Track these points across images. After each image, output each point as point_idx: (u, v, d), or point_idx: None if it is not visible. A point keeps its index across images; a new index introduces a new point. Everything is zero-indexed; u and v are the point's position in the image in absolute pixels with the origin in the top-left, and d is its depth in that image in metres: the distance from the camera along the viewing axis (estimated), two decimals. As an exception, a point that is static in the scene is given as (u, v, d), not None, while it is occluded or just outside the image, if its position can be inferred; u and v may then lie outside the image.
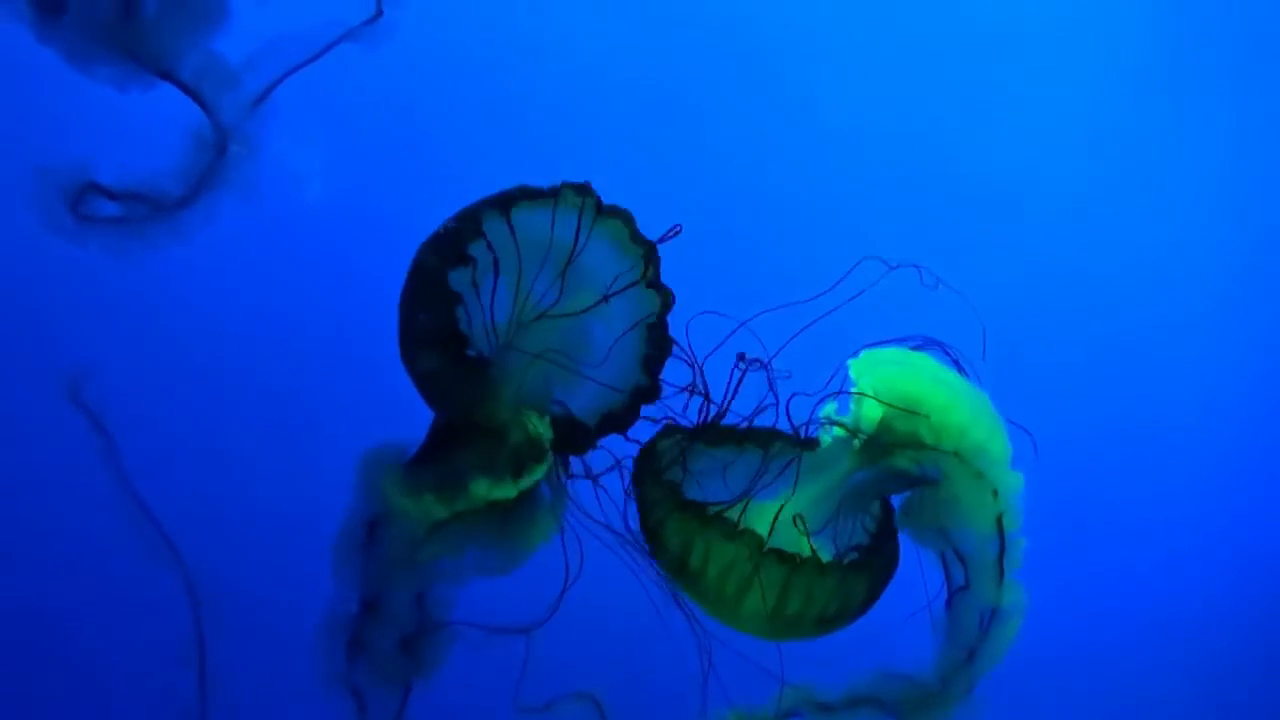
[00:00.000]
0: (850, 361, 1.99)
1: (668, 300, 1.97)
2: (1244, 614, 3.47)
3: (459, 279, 1.89)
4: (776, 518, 1.96)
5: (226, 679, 2.04)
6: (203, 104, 1.79)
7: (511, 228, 1.92)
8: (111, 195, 1.78)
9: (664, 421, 2.06)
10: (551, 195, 1.91)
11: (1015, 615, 2.01)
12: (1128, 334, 3.43)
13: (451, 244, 1.87)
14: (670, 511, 1.94)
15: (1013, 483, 1.97)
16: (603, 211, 1.92)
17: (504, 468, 1.84)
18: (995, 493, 1.96)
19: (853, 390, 1.99)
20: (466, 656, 2.03)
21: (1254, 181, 3.44)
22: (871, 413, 1.98)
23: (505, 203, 1.90)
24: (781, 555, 1.89)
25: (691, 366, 2.02)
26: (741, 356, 1.99)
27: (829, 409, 2.00)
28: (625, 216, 1.94)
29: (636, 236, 1.95)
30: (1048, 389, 3.27)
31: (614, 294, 1.96)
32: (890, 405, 1.96)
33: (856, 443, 1.99)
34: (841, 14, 3.23)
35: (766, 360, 1.99)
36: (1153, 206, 3.41)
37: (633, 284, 1.96)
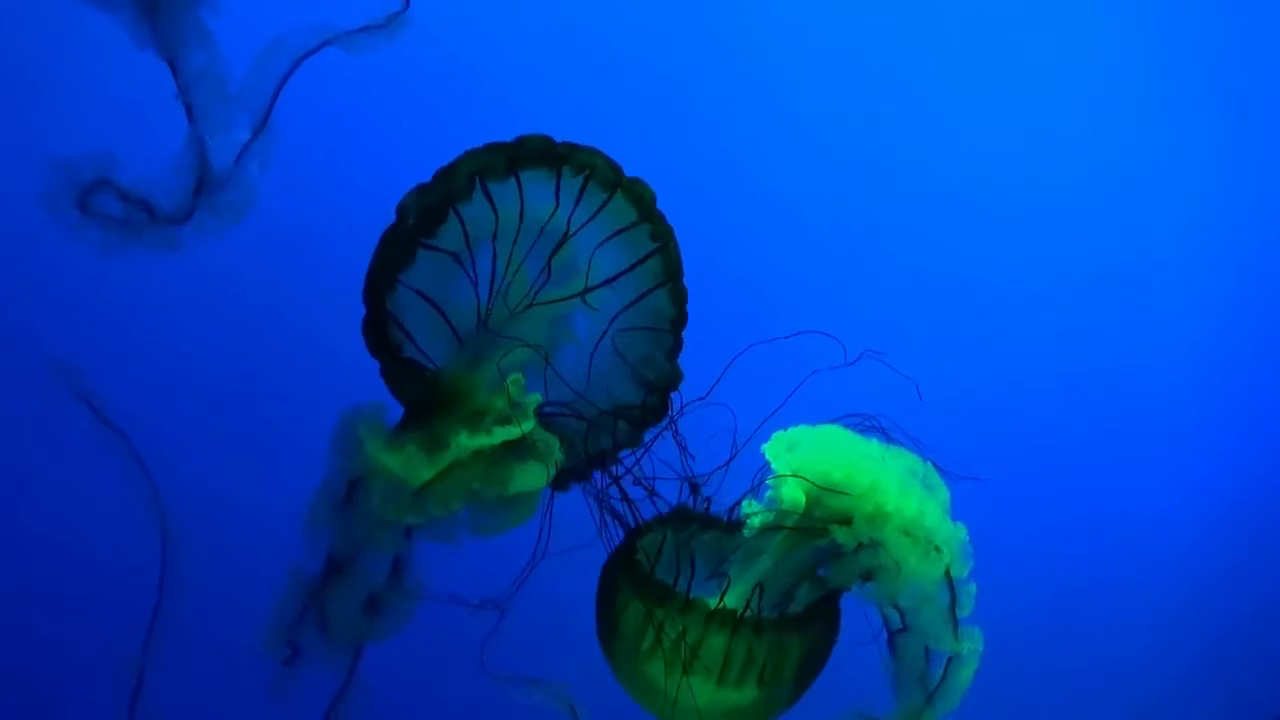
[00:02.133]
0: (764, 446, 1.88)
1: (681, 298, 1.88)
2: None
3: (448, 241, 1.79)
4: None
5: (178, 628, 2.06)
6: (183, 86, 1.75)
7: (520, 187, 1.78)
8: (123, 196, 1.76)
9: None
10: (563, 158, 1.76)
11: (971, 658, 1.97)
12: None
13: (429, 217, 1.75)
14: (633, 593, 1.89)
15: (956, 534, 1.91)
16: (621, 177, 1.79)
17: (486, 422, 1.80)
18: (938, 549, 1.89)
19: (775, 474, 1.89)
20: (429, 627, 2.03)
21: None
22: (796, 494, 1.88)
23: (514, 159, 1.74)
24: (725, 617, 1.83)
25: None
26: (695, 487, 1.91)
27: (750, 505, 1.90)
28: (645, 196, 1.81)
29: (653, 221, 1.83)
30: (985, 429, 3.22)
31: (608, 283, 1.87)
32: (818, 487, 1.86)
33: (789, 524, 1.90)
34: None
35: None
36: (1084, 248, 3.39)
37: (648, 290, 1.88)
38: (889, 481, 1.85)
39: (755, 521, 1.89)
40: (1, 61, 2.70)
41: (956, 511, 1.92)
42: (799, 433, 1.89)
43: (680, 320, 1.90)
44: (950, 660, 1.97)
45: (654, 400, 1.92)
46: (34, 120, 2.69)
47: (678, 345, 1.91)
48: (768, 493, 1.90)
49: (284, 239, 2.67)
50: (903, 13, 3.18)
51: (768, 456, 1.88)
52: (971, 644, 1.96)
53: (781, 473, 1.87)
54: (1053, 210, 3.31)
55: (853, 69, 3.18)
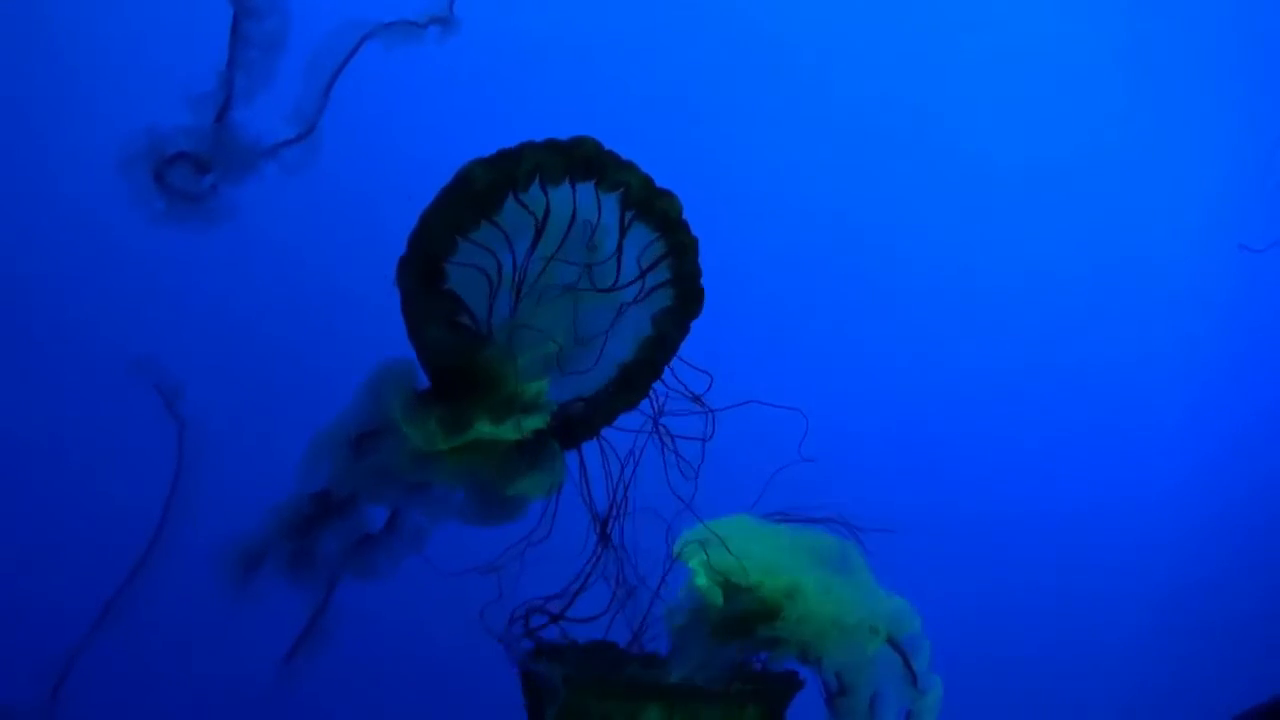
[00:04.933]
0: (675, 547, 1.75)
1: (696, 301, 1.81)
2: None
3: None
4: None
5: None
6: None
7: (574, 191, 1.78)
8: (202, 168, 1.79)
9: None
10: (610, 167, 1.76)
11: (933, 708, 1.88)
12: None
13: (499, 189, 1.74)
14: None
15: (888, 606, 1.82)
16: (651, 196, 1.78)
17: (508, 414, 1.76)
18: (874, 629, 1.79)
19: (691, 575, 1.77)
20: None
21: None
22: (713, 593, 1.77)
23: (573, 161, 1.74)
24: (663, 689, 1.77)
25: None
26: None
27: (668, 611, 1.79)
28: (672, 204, 1.79)
29: (679, 227, 1.79)
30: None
31: (635, 282, 1.81)
32: (734, 585, 1.75)
33: (711, 622, 1.79)
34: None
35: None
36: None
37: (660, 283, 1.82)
38: (806, 574, 1.74)
39: (676, 622, 1.79)
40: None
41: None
42: (711, 528, 1.76)
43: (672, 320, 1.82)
44: (910, 712, 1.90)
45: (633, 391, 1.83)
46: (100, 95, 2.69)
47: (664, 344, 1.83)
48: (683, 593, 1.79)
49: (332, 211, 2.70)
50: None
51: (681, 557, 1.76)
52: (933, 695, 1.88)
53: (696, 572, 1.76)
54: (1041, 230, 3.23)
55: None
